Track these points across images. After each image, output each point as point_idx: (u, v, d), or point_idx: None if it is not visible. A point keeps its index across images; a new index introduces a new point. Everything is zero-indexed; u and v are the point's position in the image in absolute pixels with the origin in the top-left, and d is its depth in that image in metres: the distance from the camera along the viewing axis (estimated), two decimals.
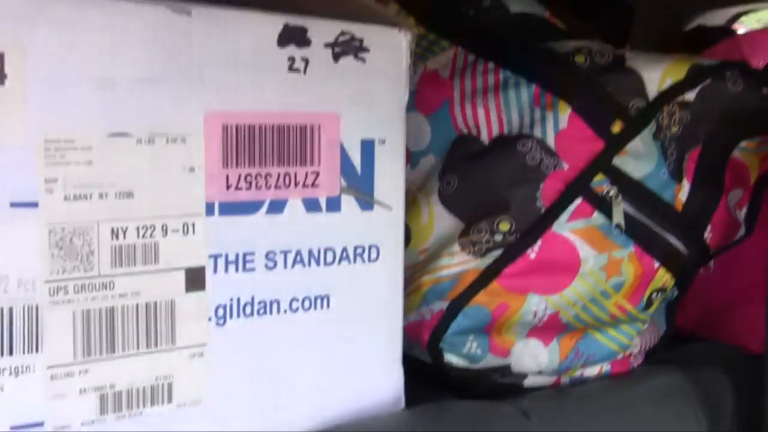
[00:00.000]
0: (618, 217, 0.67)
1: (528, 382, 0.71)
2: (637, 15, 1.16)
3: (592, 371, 0.73)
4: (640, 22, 1.17)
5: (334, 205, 0.57)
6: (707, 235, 0.72)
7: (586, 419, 0.68)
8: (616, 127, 0.67)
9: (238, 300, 0.53)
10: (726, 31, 1.26)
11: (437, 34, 0.76)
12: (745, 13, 1.35)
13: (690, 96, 0.68)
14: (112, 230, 0.47)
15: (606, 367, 0.73)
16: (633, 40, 1.14)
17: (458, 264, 0.66)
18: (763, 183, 0.74)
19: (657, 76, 0.68)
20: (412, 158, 0.71)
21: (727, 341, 0.88)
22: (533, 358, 0.69)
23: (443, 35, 0.76)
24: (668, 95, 0.67)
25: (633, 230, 0.67)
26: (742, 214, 0.75)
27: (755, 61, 0.94)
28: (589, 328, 0.70)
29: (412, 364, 0.62)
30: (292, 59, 0.54)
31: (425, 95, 0.73)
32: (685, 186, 0.69)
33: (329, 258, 0.57)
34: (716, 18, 1.32)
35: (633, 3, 1.16)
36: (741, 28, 1.32)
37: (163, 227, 0.49)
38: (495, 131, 0.69)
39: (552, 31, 0.75)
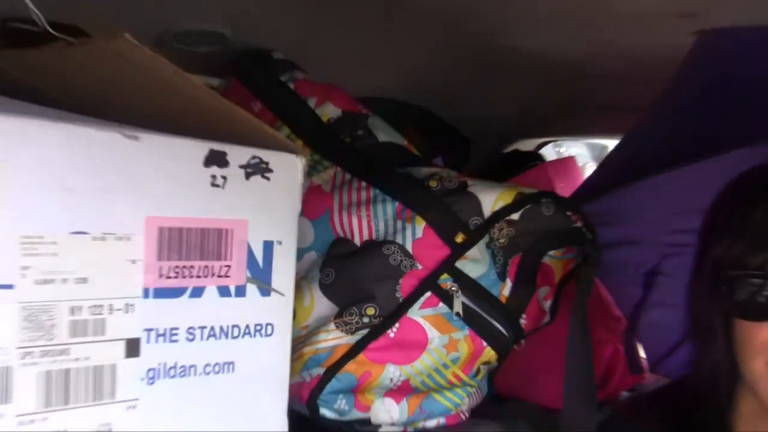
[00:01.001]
0: (458, 307, 0.79)
1: (382, 430, 0.82)
2: (472, 141, 1.33)
3: (431, 423, 0.84)
4: (475, 146, 1.34)
5: (240, 291, 0.65)
6: (523, 321, 0.85)
7: None
8: (459, 238, 0.79)
9: (165, 364, 0.61)
10: (534, 155, 1.45)
11: (321, 155, 0.87)
12: (547, 143, 1.55)
13: (515, 216, 0.81)
14: (71, 308, 0.55)
15: (442, 420, 0.85)
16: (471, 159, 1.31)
17: (333, 339, 0.77)
18: (564, 282, 0.88)
19: (491, 200, 0.81)
20: (298, 253, 0.80)
21: (532, 400, 1.02)
22: (387, 413, 0.80)
23: (326, 156, 0.86)
24: (499, 215, 0.81)
25: (469, 318, 0.80)
26: (548, 305, 0.89)
27: (558, 183, 1.11)
28: (431, 390, 0.82)
29: (294, 417, 0.70)
30: (214, 176, 0.63)
31: (310, 204, 0.83)
32: (509, 284, 0.82)
33: (235, 333, 0.65)
34: (527, 145, 1.51)
35: (468, 136, 1.32)
36: (546, 153, 1.51)
37: (109, 306, 0.58)
38: (365, 236, 0.81)
39: (411, 158, 0.88)
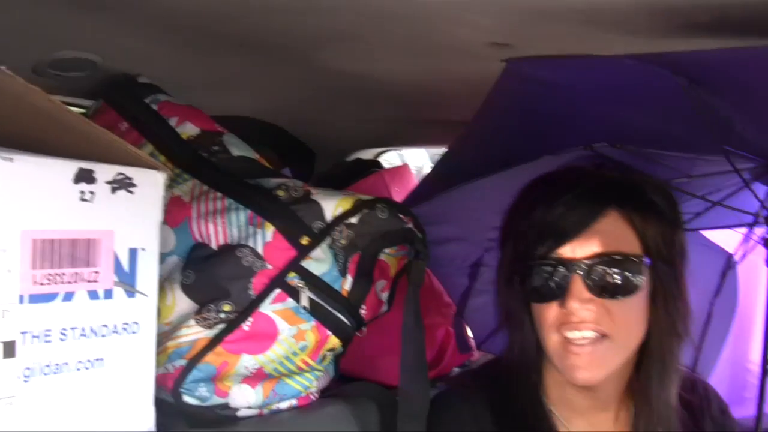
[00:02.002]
0: (304, 302, 0.86)
1: (240, 413, 0.88)
2: (319, 153, 1.41)
3: (285, 404, 0.91)
4: (322, 157, 1.42)
5: (108, 294, 0.69)
6: (363, 311, 0.93)
7: None
8: (304, 241, 0.86)
9: (40, 363, 0.65)
10: (374, 163, 1.55)
11: (181, 169, 0.92)
12: (384, 152, 1.65)
13: (354, 220, 0.89)
14: None
15: (294, 401, 0.92)
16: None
17: (193, 333, 0.83)
18: (399, 276, 0.97)
19: (332, 206, 0.88)
20: (161, 258, 0.82)
21: (374, 380, 1.10)
22: (244, 398, 0.87)
23: (185, 170, 0.91)
24: (339, 219, 0.88)
25: (314, 310, 0.87)
26: (385, 296, 0.97)
27: (393, 188, 1.21)
28: (283, 376, 0.89)
29: (160, 404, 0.74)
30: (82, 192, 0.67)
31: (172, 213, 0.88)
32: (349, 279, 0.89)
33: (104, 332, 0.70)
34: (368, 154, 1.61)
35: (314, 149, 1.40)
36: (383, 161, 1.61)
37: None
38: (221, 241, 0.86)
39: (262, 170, 0.94)
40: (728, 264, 1.34)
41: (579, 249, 0.86)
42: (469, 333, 1.30)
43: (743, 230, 1.27)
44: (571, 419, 0.96)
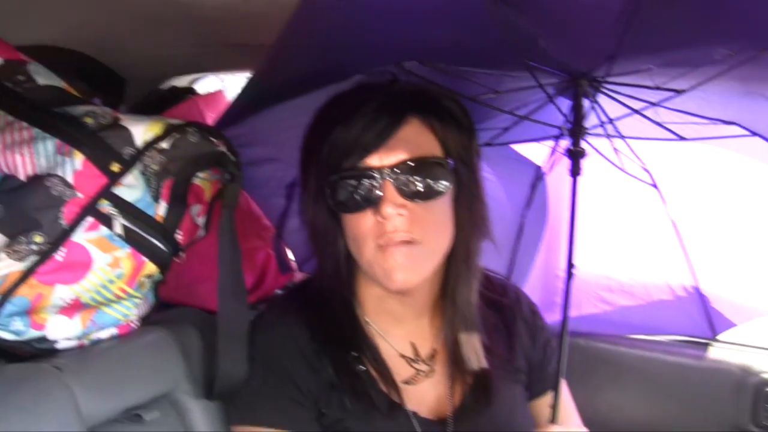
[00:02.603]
0: (118, 229, 0.92)
1: (59, 345, 0.93)
2: (131, 81, 1.43)
3: (104, 334, 0.97)
4: (135, 85, 1.45)
5: None
6: (179, 236, 0.99)
7: (104, 366, 0.92)
8: (115, 168, 0.91)
9: None
10: (189, 90, 1.59)
11: None
12: (199, 79, 1.69)
13: (165, 145, 0.94)
14: None
15: (114, 330, 0.98)
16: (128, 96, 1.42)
17: (5, 267, 0.86)
18: (214, 200, 1.04)
19: (142, 131, 0.93)
20: None
21: (194, 305, 1.18)
22: (62, 329, 0.92)
23: None
24: (150, 145, 0.93)
25: (128, 237, 0.93)
26: (201, 220, 1.04)
27: (208, 114, 1.26)
28: (101, 305, 0.95)
29: None
30: None
31: None
32: (163, 205, 0.95)
33: None
34: (182, 81, 1.65)
35: (125, 77, 1.43)
36: (197, 87, 1.65)
37: None
38: (29, 171, 0.89)
39: (69, 98, 0.96)
40: (537, 176, 1.50)
41: (386, 157, 0.97)
42: (290, 254, 1.39)
43: (550, 143, 1.41)
44: (387, 329, 1.08)
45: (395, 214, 0.96)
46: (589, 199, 1.27)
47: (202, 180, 1.01)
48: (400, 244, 0.97)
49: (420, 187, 0.98)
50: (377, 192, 0.97)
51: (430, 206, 0.99)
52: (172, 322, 1.07)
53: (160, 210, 0.96)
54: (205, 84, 1.70)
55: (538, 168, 1.49)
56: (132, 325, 1.01)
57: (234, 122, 1.14)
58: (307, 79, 1.09)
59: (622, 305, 1.59)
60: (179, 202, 0.97)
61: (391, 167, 0.97)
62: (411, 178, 0.97)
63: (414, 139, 0.99)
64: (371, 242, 0.98)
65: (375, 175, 0.97)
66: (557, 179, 1.47)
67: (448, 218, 1.02)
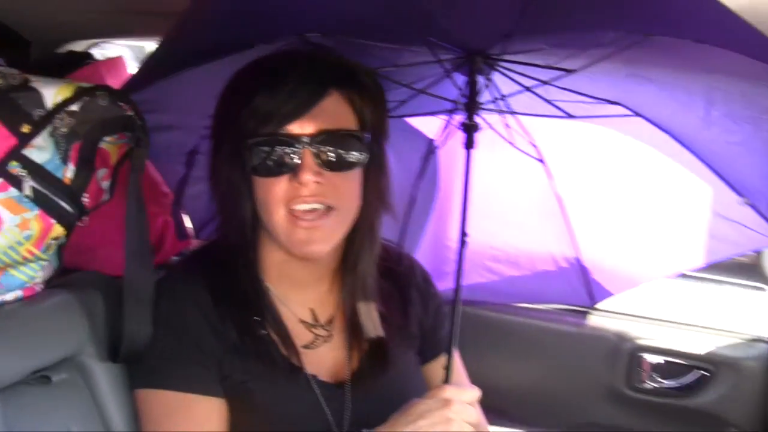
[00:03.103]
0: (27, 191, 0.93)
1: None
2: (36, 43, 1.43)
3: (10, 296, 0.98)
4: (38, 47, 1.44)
5: None
6: (85, 199, 1.00)
7: (9, 328, 0.94)
8: (25, 129, 0.92)
9: None
10: (86, 55, 1.59)
11: None
12: (96, 44, 1.69)
13: (75, 107, 0.95)
14: None
15: (19, 293, 0.99)
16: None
17: None
18: (119, 164, 1.05)
19: (52, 93, 0.94)
20: None
21: (96, 269, 1.19)
22: None
23: None
24: (60, 107, 0.94)
25: (38, 199, 0.94)
26: (106, 184, 1.05)
27: (108, 79, 1.27)
28: (7, 267, 0.96)
29: None
30: None
31: None
32: (71, 167, 0.97)
33: None
34: (79, 46, 1.65)
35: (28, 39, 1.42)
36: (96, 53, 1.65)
37: None
38: None
39: None
40: (429, 149, 1.56)
41: (307, 126, 1.02)
42: (187, 222, 1.41)
43: (445, 117, 1.46)
44: (287, 294, 1.13)
45: (312, 181, 1.01)
46: (478, 171, 1.33)
47: (109, 144, 1.02)
48: (314, 215, 1.03)
49: (338, 157, 1.04)
50: (296, 159, 1.01)
51: (345, 176, 1.05)
52: (75, 286, 1.08)
53: (68, 172, 0.97)
54: (102, 50, 1.70)
55: (431, 141, 1.55)
56: (37, 288, 1.02)
57: (140, 87, 1.15)
58: (213, 46, 1.12)
59: (508, 275, 1.68)
60: (87, 165, 0.99)
61: (311, 136, 1.02)
62: (329, 149, 1.03)
63: (334, 111, 1.04)
64: (283, 207, 1.03)
65: (295, 143, 1.01)
66: (449, 152, 1.53)
67: (359, 188, 1.09)
